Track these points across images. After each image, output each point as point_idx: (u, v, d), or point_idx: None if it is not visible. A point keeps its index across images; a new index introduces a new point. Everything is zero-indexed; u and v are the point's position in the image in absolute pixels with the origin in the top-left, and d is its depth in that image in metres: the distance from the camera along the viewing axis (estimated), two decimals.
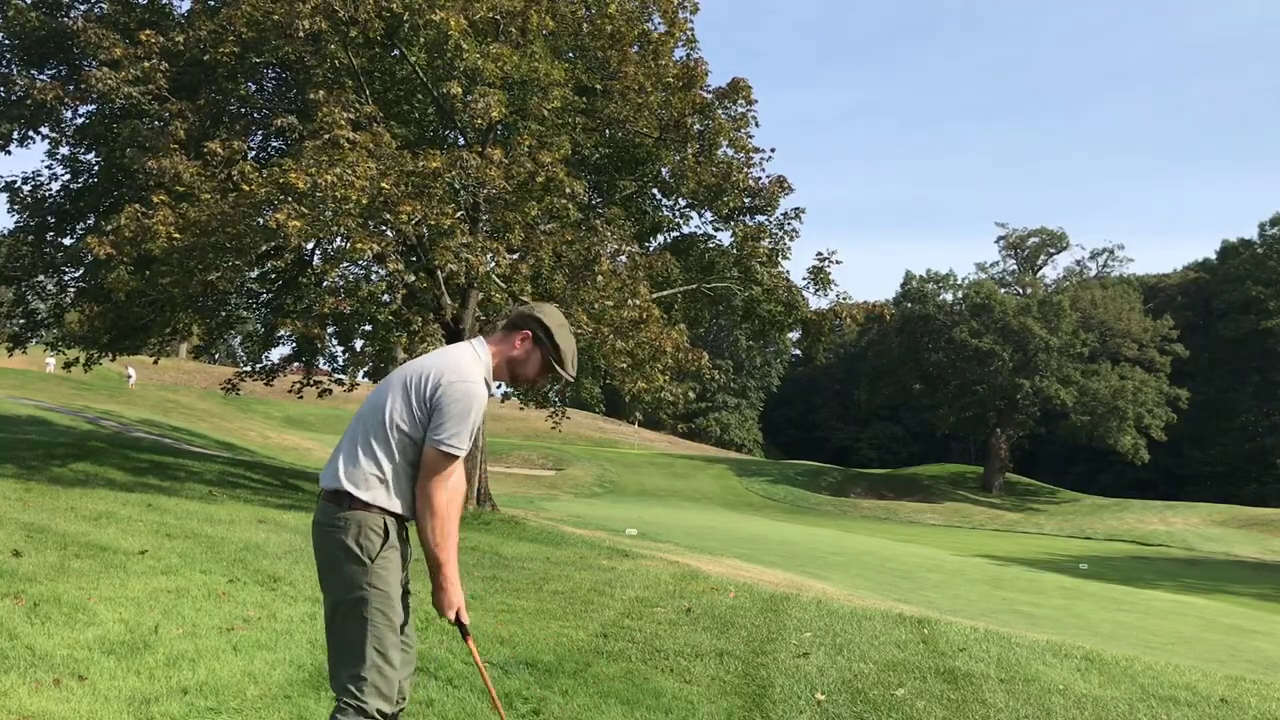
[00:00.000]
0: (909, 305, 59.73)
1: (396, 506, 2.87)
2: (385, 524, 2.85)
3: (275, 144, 17.36)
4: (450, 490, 2.85)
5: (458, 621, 2.99)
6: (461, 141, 15.35)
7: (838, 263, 17.67)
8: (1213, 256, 70.84)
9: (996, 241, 61.34)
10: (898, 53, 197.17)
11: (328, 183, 11.25)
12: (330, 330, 16.84)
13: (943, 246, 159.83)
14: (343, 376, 19.81)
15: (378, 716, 2.81)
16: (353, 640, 2.82)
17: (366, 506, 2.83)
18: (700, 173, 16.39)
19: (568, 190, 13.53)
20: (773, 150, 17.52)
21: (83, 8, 16.60)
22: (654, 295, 15.10)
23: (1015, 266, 61.54)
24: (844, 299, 18.06)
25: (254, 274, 16.99)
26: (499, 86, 13.63)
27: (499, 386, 3.26)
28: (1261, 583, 25.55)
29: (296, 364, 19.18)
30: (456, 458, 2.83)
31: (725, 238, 18.72)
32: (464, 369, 2.88)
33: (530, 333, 3.02)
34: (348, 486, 2.84)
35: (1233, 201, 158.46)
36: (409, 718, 4.02)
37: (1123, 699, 5.46)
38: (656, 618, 6.82)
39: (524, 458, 46.85)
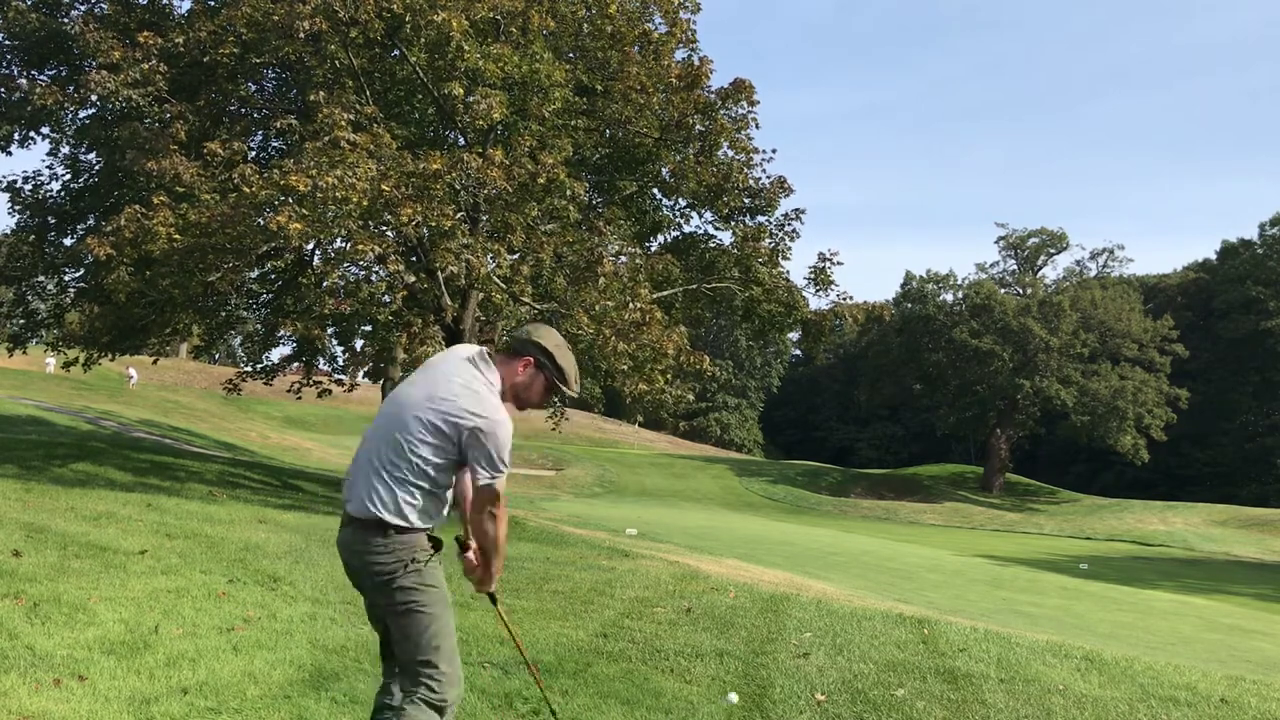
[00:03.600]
0: (909, 305, 59.73)
1: (431, 523, 2.99)
2: (429, 539, 3.00)
3: (275, 145, 17.37)
4: (504, 515, 3.03)
5: (490, 594, 3.22)
6: (462, 142, 15.35)
7: (839, 264, 17.68)
8: (1213, 256, 70.84)
9: (996, 242, 61.35)
10: (899, 54, 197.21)
11: (328, 184, 11.25)
12: (330, 331, 16.85)
13: (943, 247, 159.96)
14: (343, 377, 19.84)
15: (449, 705, 2.95)
16: (419, 637, 2.94)
17: (410, 530, 2.93)
18: (701, 173, 16.38)
19: (569, 191, 13.52)
20: (774, 151, 17.52)
21: (82, 8, 16.60)
22: (654, 296, 15.09)
23: (1015, 267, 61.54)
24: (844, 299, 18.06)
25: (254, 275, 16.99)
26: (500, 87, 13.62)
27: None
28: (1261, 583, 25.54)
29: (296, 364, 19.18)
30: (500, 487, 2.96)
31: (725, 238, 18.74)
32: (490, 406, 2.95)
33: (532, 359, 3.08)
34: (388, 518, 2.91)
35: (1233, 201, 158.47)
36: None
37: (1123, 699, 5.46)
38: (656, 618, 6.82)
39: (524, 458, 46.85)
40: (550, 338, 3.10)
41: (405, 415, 2.96)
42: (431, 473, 2.92)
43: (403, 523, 2.91)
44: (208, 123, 15.04)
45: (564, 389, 3.12)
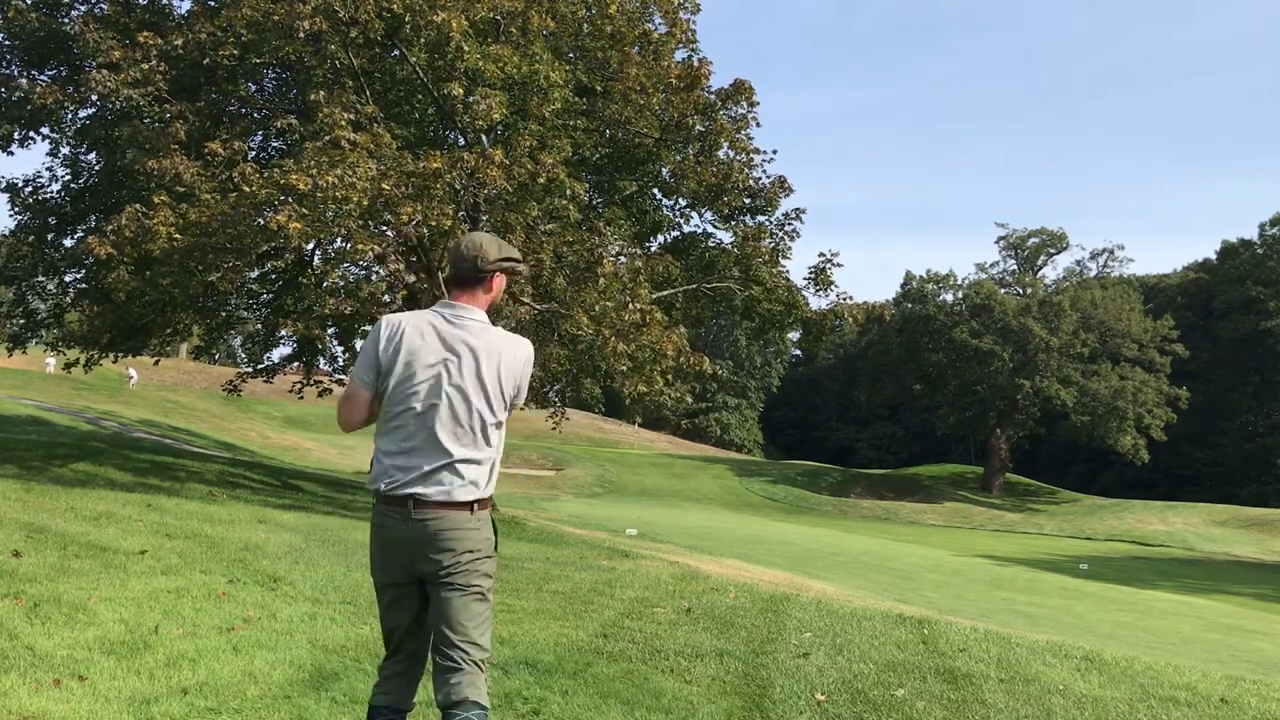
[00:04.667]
0: (909, 305, 59.74)
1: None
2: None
3: (275, 144, 17.37)
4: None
5: None
6: (462, 142, 15.35)
7: (838, 265, 17.68)
8: (1213, 256, 70.88)
9: (996, 242, 61.38)
10: (899, 54, 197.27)
11: (328, 184, 11.25)
12: (330, 331, 16.85)
13: (943, 247, 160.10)
14: (343, 377, 19.84)
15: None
16: (485, 623, 3.02)
17: (489, 503, 3.04)
18: (701, 173, 16.38)
19: (568, 191, 13.53)
20: (774, 152, 17.53)
21: (82, 8, 16.60)
22: (654, 296, 15.09)
23: (1015, 267, 61.55)
24: (844, 299, 18.06)
25: (254, 275, 16.99)
26: (499, 87, 13.62)
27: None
28: (1261, 583, 25.56)
29: (297, 364, 19.19)
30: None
31: (726, 237, 18.75)
32: (520, 343, 3.08)
33: (497, 272, 3.10)
34: (481, 494, 2.98)
35: (1233, 201, 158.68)
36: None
37: (1123, 699, 5.46)
38: (656, 618, 6.81)
39: (524, 458, 46.85)
40: (491, 245, 3.08)
41: (461, 377, 2.94)
42: (502, 433, 3.04)
43: (487, 494, 3.01)
44: (208, 123, 15.04)
45: (522, 266, 3.20)
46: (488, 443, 2.97)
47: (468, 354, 2.96)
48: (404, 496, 2.93)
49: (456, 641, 2.95)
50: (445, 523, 2.92)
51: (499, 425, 3.01)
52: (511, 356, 3.00)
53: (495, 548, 3.04)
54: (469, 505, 2.94)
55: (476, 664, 2.96)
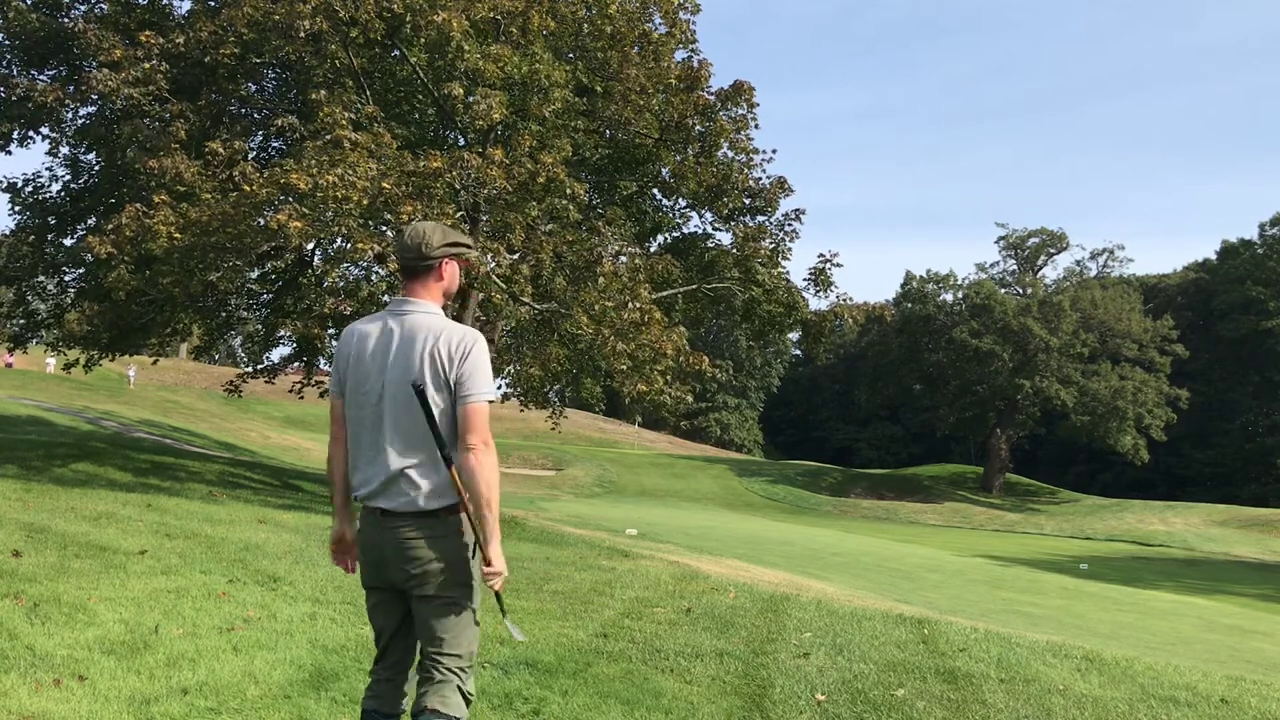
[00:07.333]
0: (909, 305, 59.75)
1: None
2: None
3: (276, 144, 17.36)
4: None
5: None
6: (462, 142, 15.35)
7: (838, 265, 17.68)
8: (1213, 256, 70.94)
9: (997, 242, 61.39)
10: (901, 55, 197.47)
11: (329, 183, 11.25)
12: (330, 331, 16.84)
13: (943, 247, 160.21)
14: None
15: (472, 700, 3.00)
16: (461, 630, 2.96)
17: (461, 508, 2.89)
18: (701, 173, 16.38)
19: (568, 191, 13.53)
20: (773, 152, 17.53)
21: (82, 8, 16.60)
22: (654, 296, 15.08)
23: (1015, 267, 61.57)
24: (844, 300, 18.05)
25: (255, 274, 16.98)
26: (499, 87, 13.62)
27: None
28: (1261, 583, 25.56)
29: (297, 364, 19.18)
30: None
31: (725, 238, 18.75)
32: (460, 325, 2.94)
33: (446, 258, 3.02)
34: (448, 500, 2.87)
35: (1233, 201, 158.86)
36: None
37: (1123, 699, 5.46)
38: (656, 618, 6.81)
39: (524, 458, 46.86)
40: (435, 232, 3.00)
41: (402, 385, 2.85)
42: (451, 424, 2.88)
43: (455, 498, 2.86)
44: (208, 122, 15.04)
45: (472, 252, 3.11)
46: (440, 438, 2.82)
47: (408, 347, 2.87)
48: (373, 508, 2.93)
49: (430, 651, 2.95)
50: (412, 531, 2.87)
51: (447, 414, 2.84)
52: (447, 341, 2.85)
53: (473, 553, 2.93)
54: (436, 513, 2.87)
55: (451, 671, 2.93)
